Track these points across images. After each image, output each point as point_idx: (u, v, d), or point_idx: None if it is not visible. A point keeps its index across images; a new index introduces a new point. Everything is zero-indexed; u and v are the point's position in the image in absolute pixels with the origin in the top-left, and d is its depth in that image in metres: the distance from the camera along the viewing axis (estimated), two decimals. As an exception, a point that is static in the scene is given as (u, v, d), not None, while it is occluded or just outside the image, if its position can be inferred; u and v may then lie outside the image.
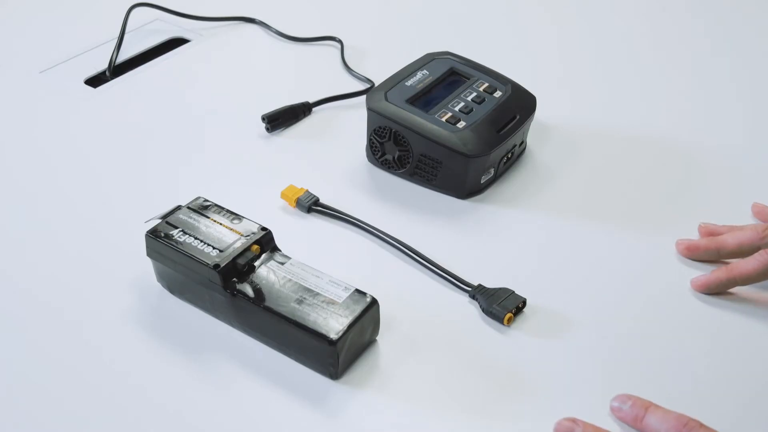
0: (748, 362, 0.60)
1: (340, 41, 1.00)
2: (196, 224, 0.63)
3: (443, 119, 0.74)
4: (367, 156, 0.80)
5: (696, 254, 0.67)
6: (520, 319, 0.63)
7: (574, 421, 0.54)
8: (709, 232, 0.69)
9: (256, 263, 0.62)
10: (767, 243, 0.64)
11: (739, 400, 0.58)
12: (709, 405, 0.56)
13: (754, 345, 0.62)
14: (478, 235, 0.70)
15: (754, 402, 0.58)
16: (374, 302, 0.60)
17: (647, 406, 0.54)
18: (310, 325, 0.57)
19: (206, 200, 0.66)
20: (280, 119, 0.85)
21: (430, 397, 0.58)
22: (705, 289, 0.65)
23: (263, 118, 0.85)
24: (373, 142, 0.78)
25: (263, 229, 0.63)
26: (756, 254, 0.64)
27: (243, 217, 0.64)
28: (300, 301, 0.59)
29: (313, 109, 0.88)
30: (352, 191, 0.77)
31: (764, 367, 0.60)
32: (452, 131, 0.73)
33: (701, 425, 0.52)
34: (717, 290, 0.65)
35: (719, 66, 0.97)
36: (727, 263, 0.66)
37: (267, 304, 0.59)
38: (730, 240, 0.66)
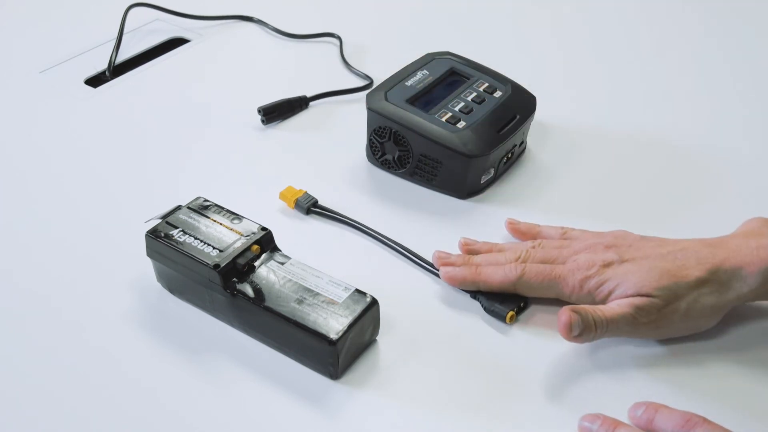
0: (751, 361, 0.60)
1: (338, 37, 1.00)
2: (196, 224, 0.63)
3: (443, 119, 0.74)
4: (367, 156, 0.80)
5: (459, 285, 0.65)
6: (521, 318, 0.63)
7: (596, 416, 0.55)
8: (469, 251, 0.68)
9: (256, 263, 0.62)
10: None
11: (743, 399, 0.58)
12: (711, 403, 0.56)
13: (759, 343, 0.62)
14: (478, 235, 0.70)
15: (759, 400, 0.58)
16: (374, 302, 0.60)
17: (657, 408, 0.54)
18: (310, 325, 0.57)
19: (206, 200, 0.66)
20: (276, 112, 0.85)
21: (430, 397, 0.58)
22: (451, 283, 0.65)
23: (259, 110, 0.85)
24: (373, 142, 0.78)
25: (263, 229, 0.63)
26: (506, 267, 0.63)
27: (243, 217, 0.64)
28: (300, 301, 0.59)
29: (311, 103, 0.88)
30: (352, 191, 0.77)
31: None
32: (452, 131, 0.73)
33: (705, 421, 0.52)
34: (462, 287, 0.65)
35: (721, 66, 0.97)
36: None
37: (267, 304, 0.59)
38: (484, 265, 0.65)
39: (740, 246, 0.60)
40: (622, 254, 0.62)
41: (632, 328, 0.59)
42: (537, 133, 0.83)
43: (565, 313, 0.58)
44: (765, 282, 0.59)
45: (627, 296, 0.59)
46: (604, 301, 0.61)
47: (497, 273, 0.63)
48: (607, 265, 0.61)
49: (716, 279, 0.59)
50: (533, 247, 0.66)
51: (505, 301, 0.63)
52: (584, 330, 0.57)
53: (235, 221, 0.64)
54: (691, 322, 0.60)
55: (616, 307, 0.59)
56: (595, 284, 0.61)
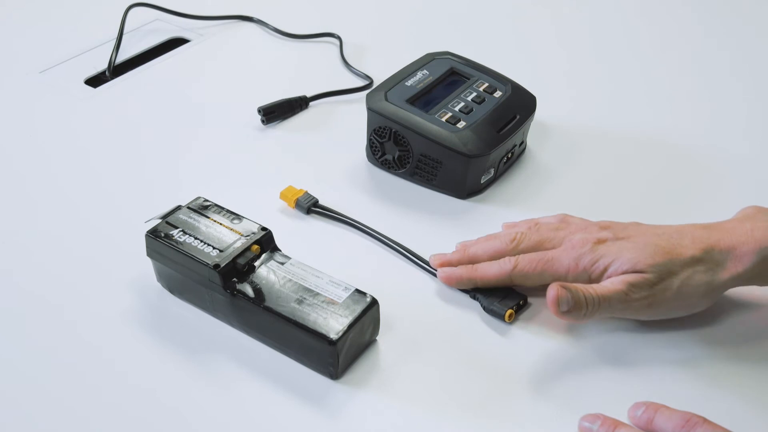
0: (751, 360, 0.60)
1: (338, 37, 1.00)
2: (196, 224, 0.63)
3: (443, 119, 0.74)
4: (367, 156, 0.80)
5: (456, 285, 0.65)
6: (520, 318, 0.63)
7: (596, 416, 0.55)
8: (464, 247, 0.68)
9: (256, 263, 0.62)
10: (512, 251, 0.64)
11: (743, 398, 0.58)
12: (713, 402, 0.56)
13: (758, 341, 0.62)
14: (478, 235, 0.70)
15: (758, 399, 0.58)
16: (374, 302, 0.60)
17: (657, 408, 0.54)
18: (310, 325, 0.57)
19: (206, 200, 0.66)
20: (276, 112, 0.85)
21: (430, 396, 0.58)
22: (449, 283, 0.65)
23: (259, 111, 0.85)
24: (373, 142, 0.78)
25: (263, 229, 0.63)
26: (501, 260, 0.64)
27: (243, 217, 0.64)
28: (300, 301, 0.59)
29: (311, 103, 0.88)
30: (352, 191, 0.77)
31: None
32: (452, 131, 0.73)
33: (705, 421, 0.52)
34: (460, 287, 0.65)
35: (721, 65, 0.97)
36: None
37: (267, 304, 0.59)
38: (480, 252, 0.66)
39: (735, 227, 0.61)
40: (616, 233, 0.63)
41: (625, 306, 0.59)
42: (537, 133, 0.83)
43: (553, 287, 0.57)
44: (760, 262, 0.59)
45: (622, 272, 0.59)
46: (599, 278, 0.61)
47: (492, 268, 0.64)
48: (601, 242, 0.62)
49: (711, 258, 0.59)
50: (529, 229, 0.66)
51: (504, 300, 0.63)
52: (574, 307, 0.57)
53: (235, 221, 0.64)
54: (684, 300, 0.60)
55: (608, 284, 0.59)
56: (589, 261, 0.61)
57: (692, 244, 0.60)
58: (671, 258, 0.59)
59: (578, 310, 0.57)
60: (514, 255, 0.64)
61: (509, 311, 0.63)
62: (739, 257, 0.59)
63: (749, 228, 0.60)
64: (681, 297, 0.59)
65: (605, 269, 0.60)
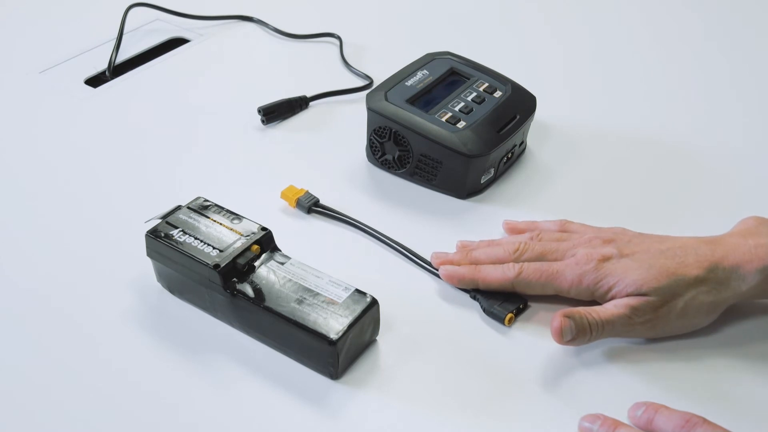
0: (750, 359, 0.60)
1: (338, 37, 1.00)
2: (196, 224, 0.63)
3: (443, 119, 0.74)
4: (367, 156, 0.80)
5: (458, 284, 0.65)
6: (520, 319, 0.63)
7: (596, 416, 0.55)
8: (465, 248, 0.68)
9: (256, 263, 0.62)
10: (515, 261, 0.64)
11: (742, 397, 0.58)
12: (713, 402, 0.56)
13: (757, 340, 0.62)
14: (478, 235, 0.70)
15: (758, 399, 0.58)
16: (374, 302, 0.60)
17: (657, 408, 0.54)
18: (310, 325, 0.57)
19: (206, 200, 0.66)
20: (276, 112, 0.86)
21: (430, 397, 0.58)
22: (450, 281, 0.65)
23: (259, 111, 0.85)
24: (373, 142, 0.78)
25: (263, 229, 0.63)
26: (505, 266, 0.64)
27: (243, 217, 0.64)
28: (300, 301, 0.59)
29: (311, 103, 0.88)
30: (352, 191, 0.77)
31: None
32: (452, 131, 0.73)
33: (705, 421, 0.52)
34: (461, 285, 0.65)
35: (720, 66, 0.97)
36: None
37: (267, 304, 0.59)
38: (483, 257, 0.65)
39: (738, 244, 0.61)
40: (621, 249, 0.62)
41: (628, 329, 0.59)
42: (537, 133, 0.83)
43: (557, 318, 0.58)
44: (763, 280, 0.59)
45: (626, 294, 0.59)
46: (603, 297, 0.61)
47: (495, 272, 0.63)
48: (606, 259, 0.62)
49: (714, 277, 0.59)
50: (531, 239, 0.66)
51: (504, 303, 0.63)
52: (578, 334, 0.58)
53: (235, 221, 0.64)
54: (688, 320, 0.60)
55: (611, 307, 0.59)
56: (593, 279, 0.61)
57: (696, 262, 0.60)
58: (675, 279, 0.59)
59: (582, 336, 0.58)
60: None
61: (509, 315, 0.62)
62: (742, 276, 0.59)
63: (753, 245, 0.60)
64: (684, 317, 0.59)
65: (609, 289, 0.60)
